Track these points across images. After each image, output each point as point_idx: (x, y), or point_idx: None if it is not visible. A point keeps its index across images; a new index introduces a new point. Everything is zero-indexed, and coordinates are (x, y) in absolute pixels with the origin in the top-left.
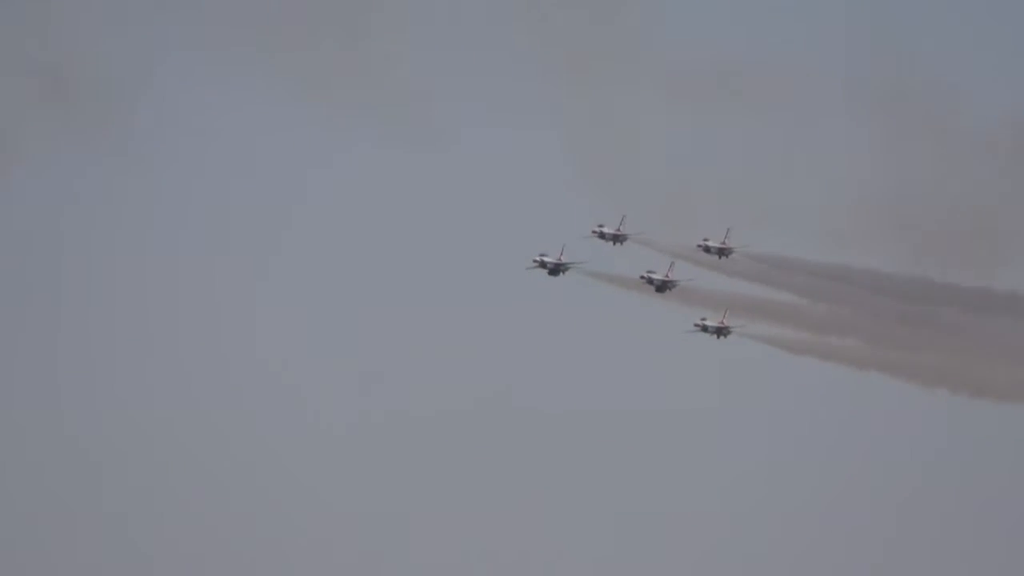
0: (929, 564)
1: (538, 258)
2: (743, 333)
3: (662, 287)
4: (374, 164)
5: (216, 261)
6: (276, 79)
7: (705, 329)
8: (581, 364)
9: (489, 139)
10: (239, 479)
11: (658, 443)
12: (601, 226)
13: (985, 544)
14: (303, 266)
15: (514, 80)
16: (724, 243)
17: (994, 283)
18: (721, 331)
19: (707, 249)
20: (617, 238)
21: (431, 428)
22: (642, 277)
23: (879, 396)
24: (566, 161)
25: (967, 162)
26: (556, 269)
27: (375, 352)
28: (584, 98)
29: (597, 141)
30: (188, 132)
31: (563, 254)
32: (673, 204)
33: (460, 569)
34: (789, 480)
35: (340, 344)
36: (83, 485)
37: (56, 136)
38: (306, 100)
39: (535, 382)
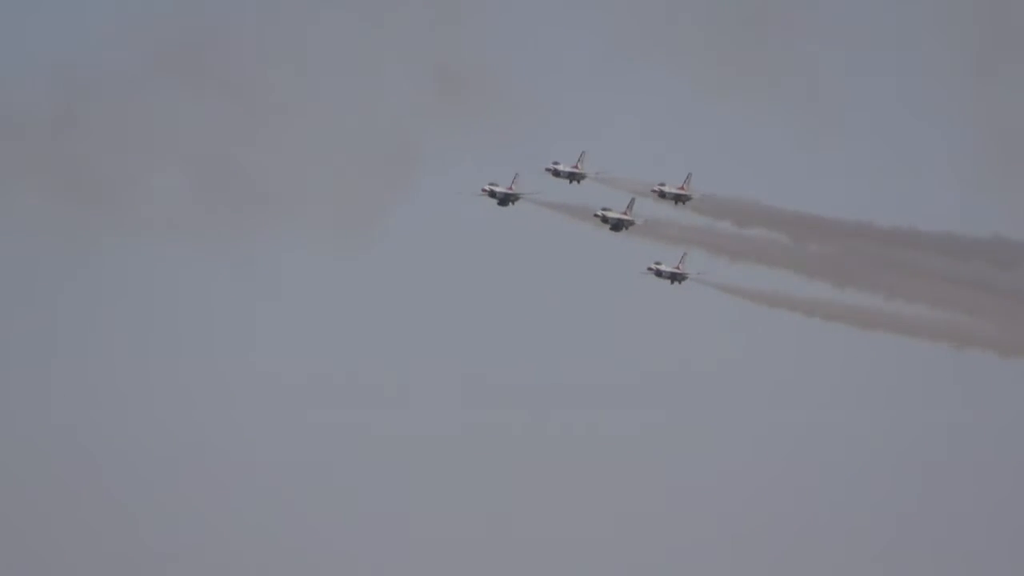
0: (902, 526)
1: (488, 187)
2: (701, 280)
3: (617, 226)
4: None
5: None
6: None
7: (659, 274)
8: (519, 304)
9: None
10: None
11: (598, 395)
12: (556, 163)
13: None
14: None
15: None
16: (682, 188)
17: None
18: (676, 277)
19: (662, 195)
20: (574, 176)
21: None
22: (596, 215)
23: (843, 346)
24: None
25: None
26: (506, 199)
27: None
28: None
29: None
30: None
31: (515, 183)
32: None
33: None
34: (744, 434)
35: None
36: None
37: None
38: None
39: (471, 320)
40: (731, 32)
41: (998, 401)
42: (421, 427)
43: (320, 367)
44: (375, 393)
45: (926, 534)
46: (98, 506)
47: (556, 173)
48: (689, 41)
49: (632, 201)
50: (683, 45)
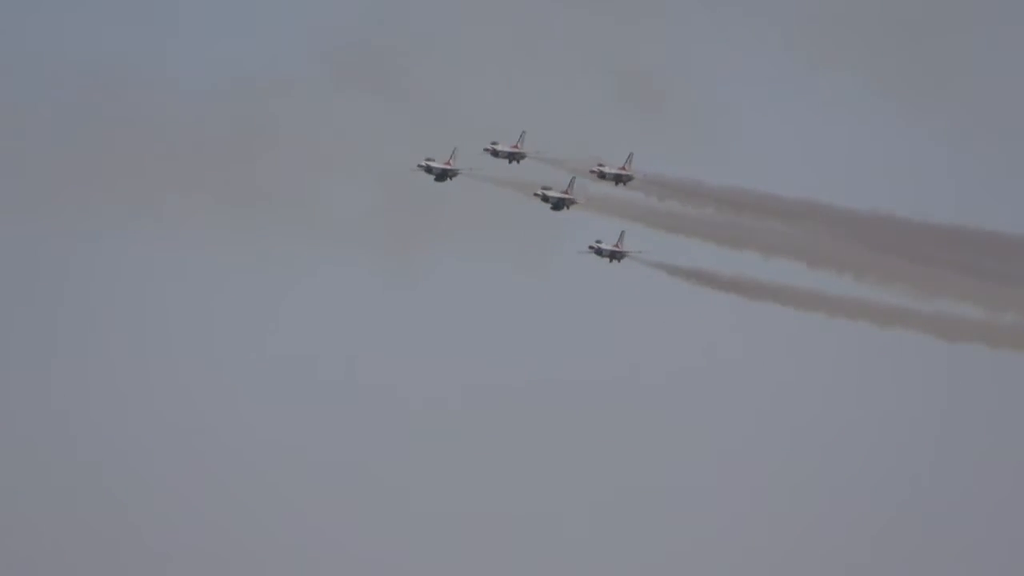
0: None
1: (424, 162)
2: (641, 259)
3: (558, 205)
4: None
5: None
6: None
7: (600, 252)
8: (453, 282)
9: None
10: None
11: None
12: (495, 143)
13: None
14: None
15: None
16: (623, 168)
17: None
18: (616, 255)
19: (602, 175)
20: (513, 156)
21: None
22: (536, 194)
23: (786, 329)
24: None
25: None
26: (444, 174)
27: None
28: None
29: None
30: None
31: (453, 158)
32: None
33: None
34: (687, 414)
35: None
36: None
37: None
38: None
39: (412, 298)
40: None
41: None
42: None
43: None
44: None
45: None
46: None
47: (495, 153)
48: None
49: (573, 180)
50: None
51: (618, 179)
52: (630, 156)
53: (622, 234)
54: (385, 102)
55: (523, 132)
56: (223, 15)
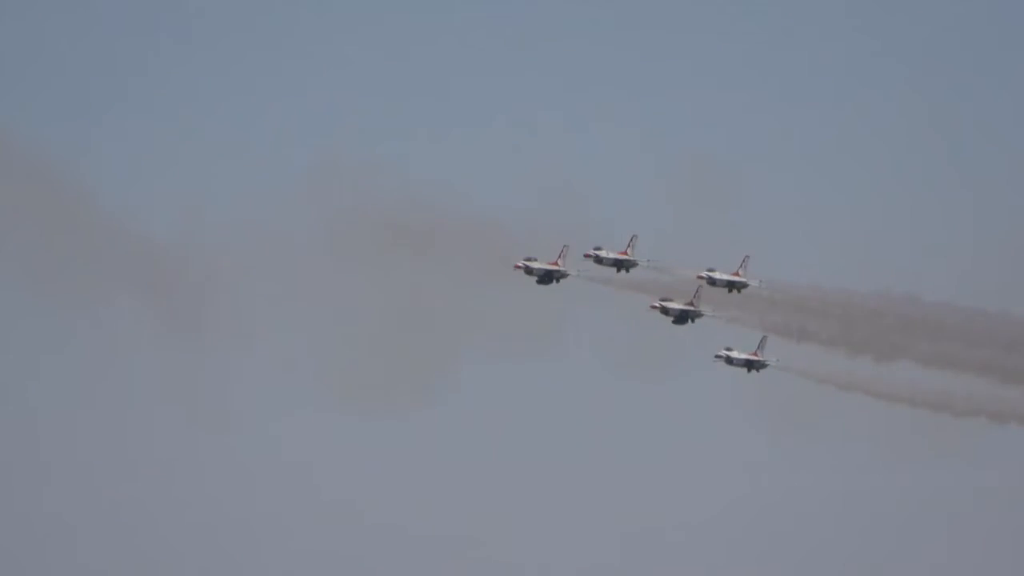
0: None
1: (523, 262)
2: (780, 367)
3: (681, 318)
4: None
5: None
6: None
7: (730, 361)
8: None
9: None
10: None
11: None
12: (598, 248)
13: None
14: None
15: None
16: (737, 274)
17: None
18: (753, 364)
19: (712, 282)
20: (621, 264)
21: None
22: (654, 307)
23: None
24: None
25: None
26: (548, 276)
27: None
28: None
29: None
30: None
31: (562, 258)
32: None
33: None
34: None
35: None
36: None
37: None
38: None
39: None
40: None
41: None
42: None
43: None
44: None
45: None
46: None
47: (598, 260)
48: None
49: (698, 290)
50: None
51: (731, 286)
52: (745, 259)
53: (763, 339)
54: None
55: (634, 236)
56: None
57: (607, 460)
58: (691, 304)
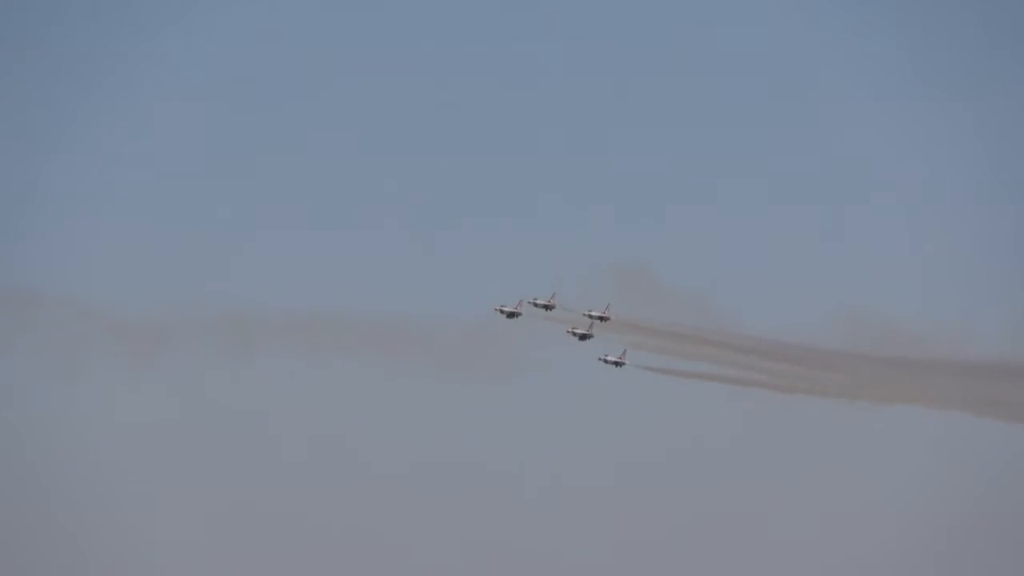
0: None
1: (499, 307)
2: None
3: (584, 337)
4: None
5: None
6: None
7: (606, 362)
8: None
9: None
10: None
11: None
12: (535, 297)
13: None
14: None
15: None
16: (604, 312)
17: None
18: (619, 363)
19: (589, 316)
20: (547, 307)
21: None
22: (568, 331)
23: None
24: None
25: None
26: (512, 315)
27: None
28: None
29: None
30: None
31: (519, 306)
32: None
33: None
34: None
35: None
36: None
37: None
38: None
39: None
40: None
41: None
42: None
43: None
44: None
45: None
46: None
47: (534, 304)
48: None
49: (592, 324)
50: None
51: (601, 319)
52: (608, 305)
53: (624, 351)
54: None
55: (554, 292)
56: None
57: None
58: (588, 330)
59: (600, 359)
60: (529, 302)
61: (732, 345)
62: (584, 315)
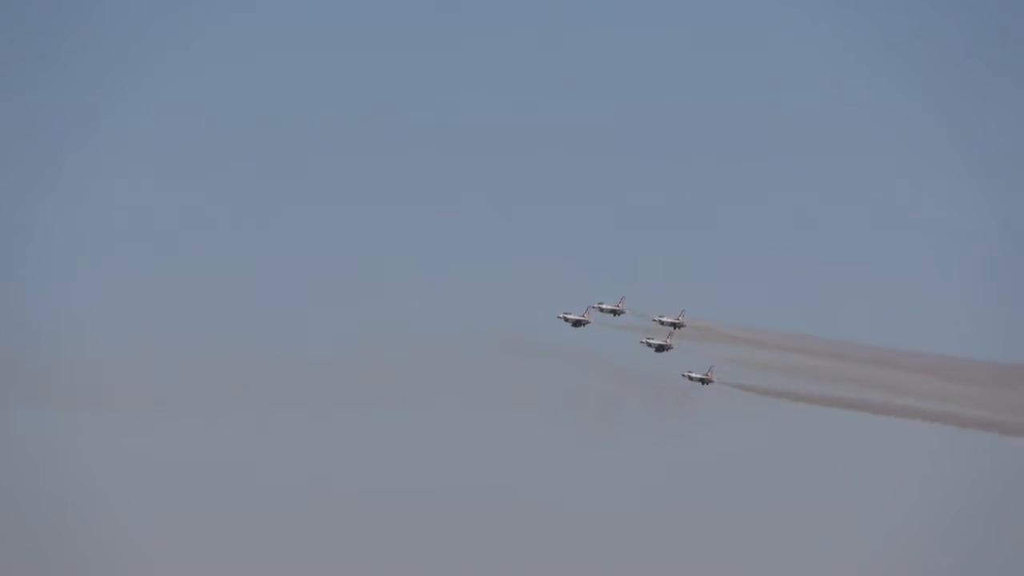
0: None
1: (562, 314)
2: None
3: (660, 349)
4: None
5: None
6: None
7: (690, 378)
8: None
9: None
10: None
11: None
12: (601, 302)
13: None
14: None
15: None
16: (677, 318)
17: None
18: (705, 380)
19: (660, 322)
20: (615, 312)
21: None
22: (642, 342)
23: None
24: None
25: None
26: (578, 323)
27: None
28: None
29: None
30: None
31: (586, 313)
32: None
33: None
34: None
35: None
36: None
37: None
38: None
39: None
40: None
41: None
42: None
43: None
44: None
45: None
46: None
47: (601, 309)
48: None
49: (671, 333)
50: None
51: (674, 326)
52: (682, 311)
53: (711, 367)
54: None
55: (623, 296)
56: None
57: None
58: (666, 341)
59: (684, 375)
60: (595, 307)
61: (854, 356)
62: (654, 321)
